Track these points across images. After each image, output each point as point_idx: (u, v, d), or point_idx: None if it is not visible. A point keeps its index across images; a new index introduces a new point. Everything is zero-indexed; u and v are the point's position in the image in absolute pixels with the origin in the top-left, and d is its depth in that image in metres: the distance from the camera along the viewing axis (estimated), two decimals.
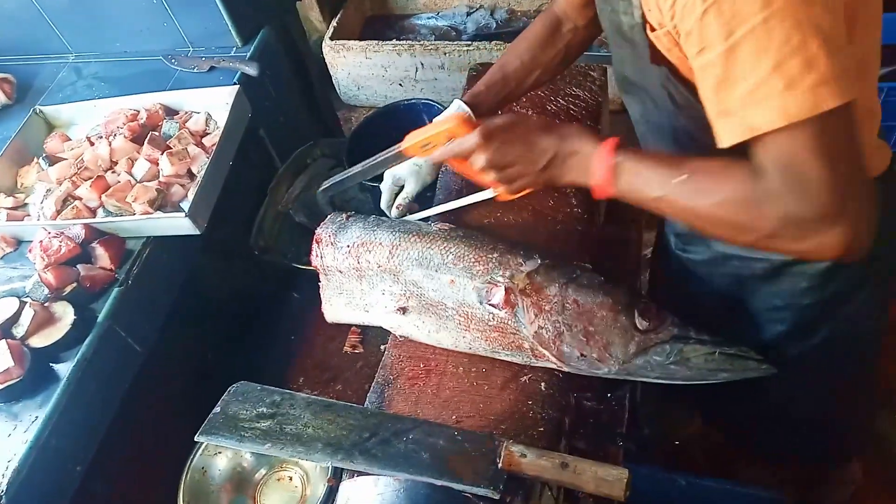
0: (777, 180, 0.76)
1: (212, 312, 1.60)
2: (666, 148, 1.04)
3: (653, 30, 0.86)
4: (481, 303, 1.06)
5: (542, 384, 1.11)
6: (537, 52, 1.20)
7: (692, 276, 1.28)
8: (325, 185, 1.25)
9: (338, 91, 3.10)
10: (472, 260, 1.09)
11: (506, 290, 1.04)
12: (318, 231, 1.23)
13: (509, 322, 1.05)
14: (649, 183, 0.86)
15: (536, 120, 0.98)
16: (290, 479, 1.32)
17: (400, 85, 3.02)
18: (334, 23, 3.06)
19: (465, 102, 1.17)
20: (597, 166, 0.90)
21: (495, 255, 1.08)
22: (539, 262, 1.07)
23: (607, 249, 1.44)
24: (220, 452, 1.31)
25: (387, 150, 1.13)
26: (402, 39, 3.12)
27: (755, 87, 0.72)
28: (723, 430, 1.80)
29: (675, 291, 1.38)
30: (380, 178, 1.57)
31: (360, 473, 0.99)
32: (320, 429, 1.05)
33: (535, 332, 1.03)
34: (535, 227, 1.29)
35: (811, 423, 1.39)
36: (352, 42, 2.95)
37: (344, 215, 1.24)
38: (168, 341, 1.43)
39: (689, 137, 0.97)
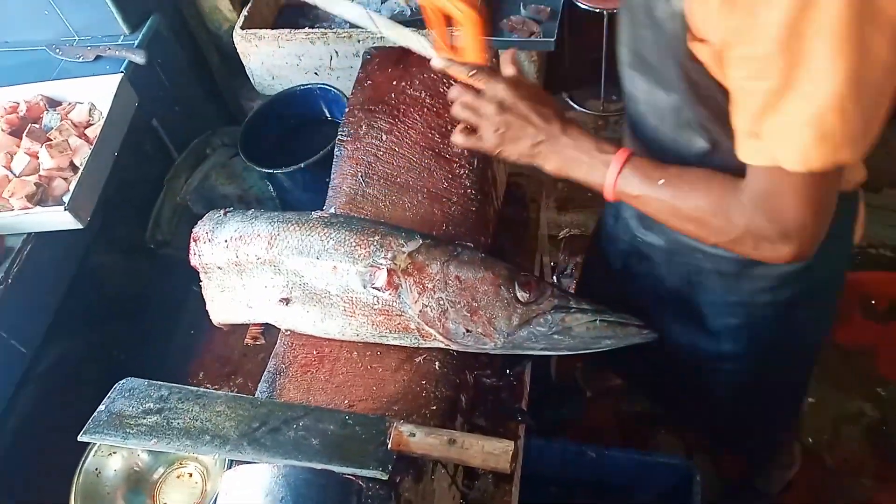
0: (754, 204, 0.84)
1: (107, 309, 1.55)
2: (662, 129, 1.02)
3: (692, 37, 0.83)
4: (365, 287, 1.06)
5: (437, 363, 1.12)
6: None
7: (645, 260, 1.28)
8: None
9: (252, 81, 3.03)
10: (354, 244, 1.08)
11: (388, 271, 1.04)
12: (196, 229, 1.20)
13: (394, 304, 1.05)
14: (632, 183, 0.93)
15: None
16: (190, 475, 1.29)
17: (315, 73, 2.96)
18: (245, 12, 2.99)
19: None
20: (609, 172, 0.94)
21: (376, 237, 1.08)
22: (420, 241, 1.07)
23: (506, 230, 1.46)
24: (114, 452, 1.28)
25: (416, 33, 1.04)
26: (317, 27, 3.07)
27: (790, 125, 0.75)
28: (648, 397, 1.85)
29: (618, 276, 1.38)
30: (278, 164, 1.56)
31: (247, 463, 0.98)
32: (209, 421, 1.03)
33: (420, 311, 1.04)
34: (431, 210, 1.29)
35: (739, 412, 1.44)
36: (263, 31, 2.87)
37: (222, 211, 1.21)
38: (59, 340, 1.38)
39: (696, 125, 0.95)
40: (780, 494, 1.86)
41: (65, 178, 1.35)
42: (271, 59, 2.93)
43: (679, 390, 1.50)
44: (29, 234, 1.31)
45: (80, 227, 1.28)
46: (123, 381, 1.10)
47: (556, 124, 0.95)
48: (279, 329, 1.20)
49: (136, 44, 1.64)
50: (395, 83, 1.44)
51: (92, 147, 1.36)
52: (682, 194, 0.90)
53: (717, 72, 0.83)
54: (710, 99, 0.89)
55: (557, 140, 0.95)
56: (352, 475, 0.94)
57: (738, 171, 0.89)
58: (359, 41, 2.78)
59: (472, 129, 1.01)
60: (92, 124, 1.45)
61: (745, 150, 0.82)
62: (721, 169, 0.93)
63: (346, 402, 1.08)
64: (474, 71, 0.98)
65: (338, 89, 1.68)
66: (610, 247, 1.40)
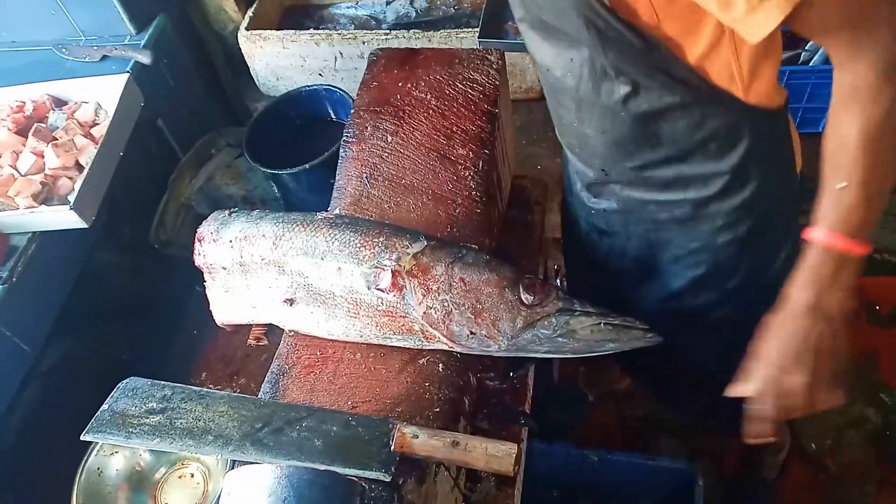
0: (881, 51, 0.78)
1: (111, 308, 1.56)
2: (582, 87, 1.02)
3: None
4: (369, 288, 1.06)
5: (440, 365, 1.11)
6: None
7: (605, 235, 1.29)
8: None
9: (256, 82, 3.04)
10: (358, 245, 1.07)
11: (392, 272, 1.04)
12: (200, 229, 1.20)
13: (398, 305, 1.05)
14: (843, 215, 0.87)
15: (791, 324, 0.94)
16: (192, 475, 1.29)
17: (320, 75, 2.97)
18: (250, 13, 2.99)
19: None
20: (841, 248, 0.88)
21: (381, 239, 1.08)
22: (425, 243, 1.07)
23: (510, 232, 1.46)
24: (116, 452, 1.28)
25: None
26: (321, 29, 3.08)
27: None
28: (651, 390, 1.84)
29: (587, 256, 1.39)
30: (282, 165, 1.56)
31: (250, 464, 0.98)
32: (212, 421, 1.03)
33: (424, 313, 1.03)
34: (435, 211, 1.29)
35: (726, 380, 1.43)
36: (268, 32, 2.88)
37: (227, 212, 1.21)
38: (63, 339, 1.38)
39: (612, 70, 0.96)
40: (777, 480, 1.86)
41: (70, 178, 1.36)
42: (276, 60, 2.93)
43: (674, 373, 1.48)
44: (34, 232, 1.32)
45: (85, 226, 1.29)
46: (126, 380, 1.10)
47: (808, 317, 0.92)
48: (283, 330, 1.20)
49: (142, 44, 1.64)
50: (400, 85, 1.44)
51: (97, 146, 1.37)
52: (858, 142, 0.83)
53: None
54: (618, 41, 0.90)
55: (826, 309, 0.92)
56: (355, 476, 0.94)
57: (660, 108, 0.93)
58: (363, 42, 2.78)
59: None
60: (97, 124, 1.45)
61: (758, 22, 0.78)
62: (646, 108, 0.96)
63: (350, 403, 1.07)
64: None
65: (343, 90, 1.68)
66: (574, 228, 1.41)
